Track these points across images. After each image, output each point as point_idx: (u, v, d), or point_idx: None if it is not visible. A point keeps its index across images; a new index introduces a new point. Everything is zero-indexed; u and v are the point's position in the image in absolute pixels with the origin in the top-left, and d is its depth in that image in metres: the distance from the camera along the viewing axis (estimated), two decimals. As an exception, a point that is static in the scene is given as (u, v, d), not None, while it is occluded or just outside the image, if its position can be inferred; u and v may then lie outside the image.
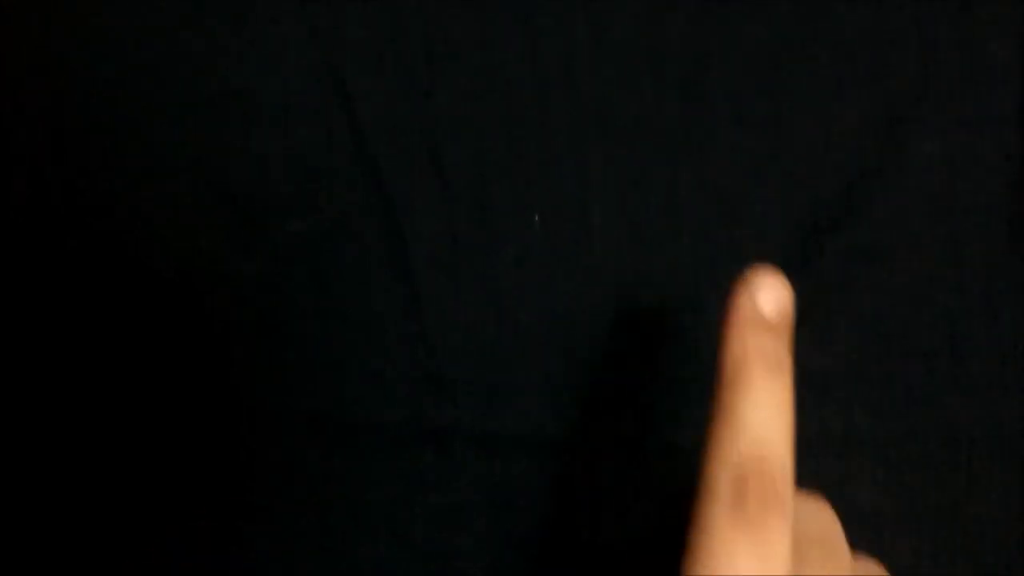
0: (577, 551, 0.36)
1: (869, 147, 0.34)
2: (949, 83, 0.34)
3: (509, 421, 0.36)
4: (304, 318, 0.36)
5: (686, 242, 0.35)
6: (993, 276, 0.34)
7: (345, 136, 0.35)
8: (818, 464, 0.35)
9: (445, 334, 0.36)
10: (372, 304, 0.36)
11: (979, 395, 0.35)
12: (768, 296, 0.27)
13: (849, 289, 0.35)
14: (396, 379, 0.36)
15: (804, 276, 0.35)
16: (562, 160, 0.35)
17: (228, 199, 0.36)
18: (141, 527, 0.37)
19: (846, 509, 0.36)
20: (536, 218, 0.35)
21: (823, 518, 0.29)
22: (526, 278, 0.36)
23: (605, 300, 0.35)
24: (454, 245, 0.36)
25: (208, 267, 0.36)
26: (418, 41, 0.35)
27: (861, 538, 0.36)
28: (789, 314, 0.28)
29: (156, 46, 0.36)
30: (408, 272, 0.36)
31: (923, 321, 0.35)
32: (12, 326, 0.37)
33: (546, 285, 0.36)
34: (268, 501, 0.37)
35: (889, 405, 0.35)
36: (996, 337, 0.34)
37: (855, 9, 0.34)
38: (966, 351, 0.35)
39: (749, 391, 0.26)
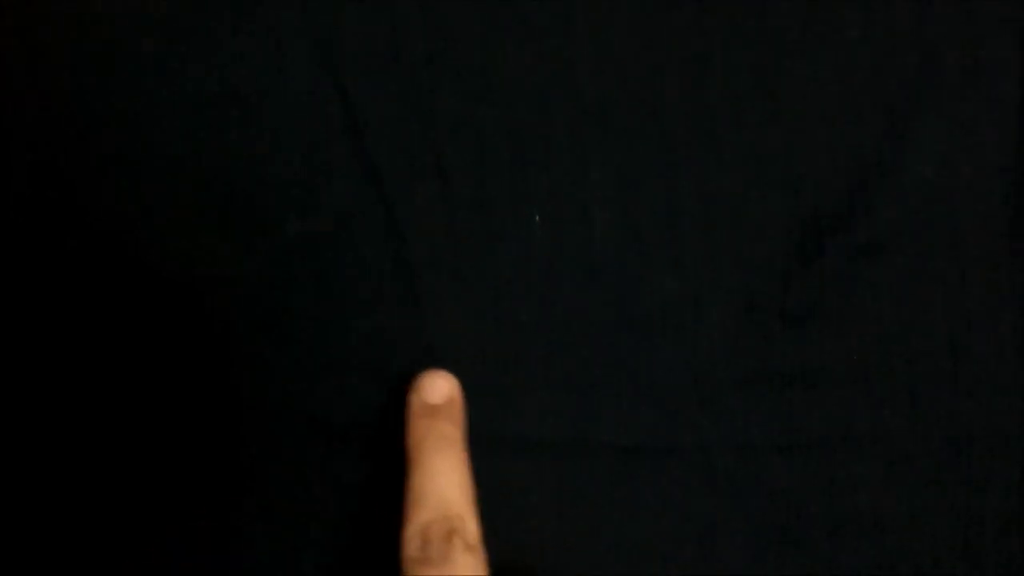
0: (577, 551, 0.36)
1: (869, 147, 0.34)
2: (949, 83, 0.34)
3: (509, 421, 0.36)
4: (304, 318, 0.36)
5: (686, 242, 0.35)
6: (993, 276, 0.34)
7: (345, 136, 0.35)
8: (818, 464, 0.35)
9: (445, 334, 0.36)
10: (372, 304, 0.36)
11: (979, 395, 0.35)
12: (432, 390, 0.34)
13: (849, 289, 0.35)
14: (396, 379, 0.36)
15: (804, 276, 0.35)
16: (562, 160, 0.35)
17: (228, 199, 0.36)
18: (141, 527, 0.37)
19: (846, 509, 0.36)
20: (536, 218, 0.35)
21: None
22: (526, 278, 0.36)
23: (605, 300, 0.35)
24: (454, 245, 0.36)
25: (208, 267, 0.36)
26: (418, 41, 0.35)
27: (861, 538, 0.36)
28: (455, 399, 0.34)
29: (156, 46, 0.36)
30: (408, 272, 0.36)
31: (923, 321, 0.35)
32: (12, 326, 0.37)
33: (546, 285, 0.36)
34: (268, 501, 0.37)
35: (889, 405, 0.35)
36: (996, 337, 0.34)
37: (855, 9, 0.34)
38: (966, 351, 0.35)
39: (426, 467, 0.32)
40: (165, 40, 0.36)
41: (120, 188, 0.36)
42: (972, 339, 0.35)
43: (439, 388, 0.34)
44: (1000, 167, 0.34)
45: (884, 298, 0.35)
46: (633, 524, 0.36)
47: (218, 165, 0.36)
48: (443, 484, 0.31)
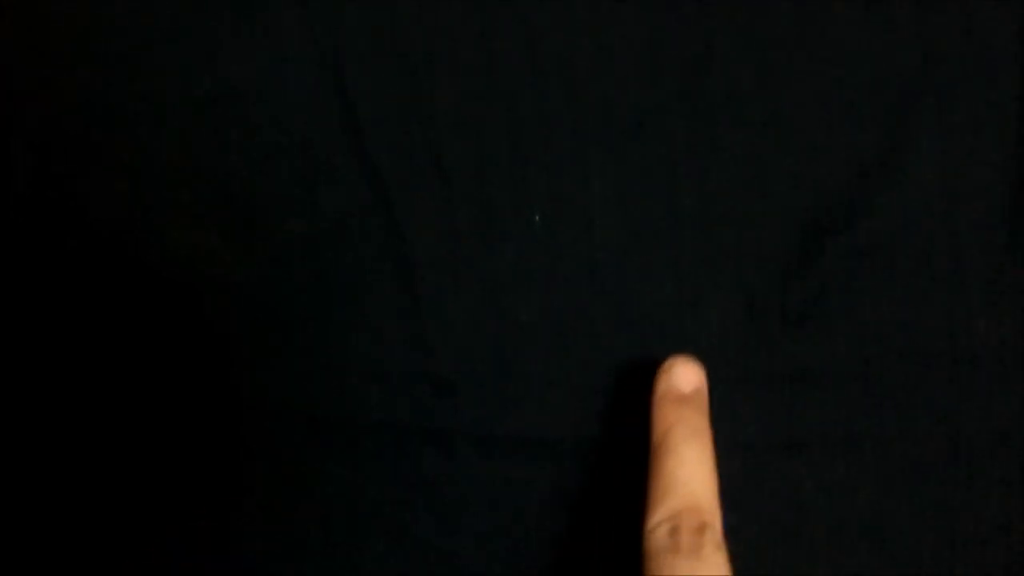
0: (576, 551, 0.36)
1: (869, 147, 0.34)
2: (949, 83, 0.34)
3: (509, 421, 0.36)
4: (304, 318, 0.36)
5: (686, 242, 0.35)
6: (993, 276, 0.34)
7: (345, 136, 0.35)
8: (818, 464, 0.35)
9: (445, 334, 0.36)
10: (372, 304, 0.36)
11: (979, 395, 0.35)
12: (682, 377, 0.33)
13: (849, 289, 0.35)
14: (396, 379, 0.36)
15: (804, 276, 0.35)
16: (562, 160, 0.35)
17: (228, 199, 0.36)
18: (141, 527, 0.37)
19: (846, 509, 0.36)
20: (536, 218, 0.35)
21: None
22: (526, 278, 0.36)
23: (605, 300, 0.35)
24: (454, 245, 0.36)
25: (208, 267, 0.36)
26: (418, 41, 0.35)
27: (861, 538, 0.36)
28: (703, 390, 0.33)
29: (156, 46, 0.36)
30: (408, 272, 0.36)
31: (923, 321, 0.35)
32: (12, 326, 0.37)
33: (546, 285, 0.36)
34: (268, 501, 0.37)
35: (889, 405, 0.35)
36: (996, 337, 0.34)
37: (855, 9, 0.34)
38: (966, 351, 0.35)
39: (675, 454, 0.31)
40: (165, 40, 0.36)
41: (120, 188, 0.36)
42: (972, 339, 0.35)
43: (690, 376, 0.33)
44: (1000, 167, 0.34)
45: (884, 298, 0.35)
46: (632, 524, 0.36)
47: (218, 165, 0.36)
48: (695, 475, 0.30)
